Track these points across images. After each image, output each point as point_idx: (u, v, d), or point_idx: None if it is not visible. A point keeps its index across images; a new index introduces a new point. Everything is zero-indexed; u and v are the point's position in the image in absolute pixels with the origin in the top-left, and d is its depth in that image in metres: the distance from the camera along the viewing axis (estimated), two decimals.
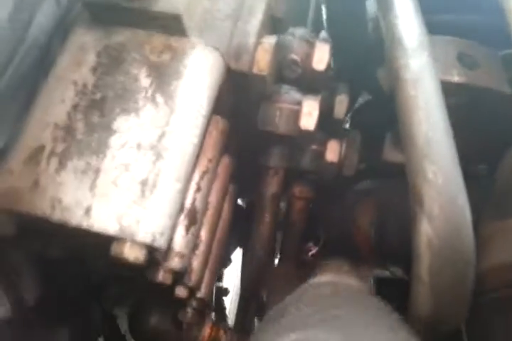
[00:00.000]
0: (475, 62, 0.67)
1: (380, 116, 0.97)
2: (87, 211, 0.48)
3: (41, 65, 0.57)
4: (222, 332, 0.91)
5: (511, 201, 0.64)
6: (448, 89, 0.59)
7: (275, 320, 0.51)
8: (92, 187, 0.49)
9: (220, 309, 1.25)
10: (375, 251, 0.92)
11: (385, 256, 0.90)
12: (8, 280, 0.54)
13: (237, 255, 1.42)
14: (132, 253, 0.47)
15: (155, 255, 0.53)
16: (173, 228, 0.55)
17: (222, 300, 1.35)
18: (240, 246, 1.36)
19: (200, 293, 0.80)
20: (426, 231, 0.47)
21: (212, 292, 0.89)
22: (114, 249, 0.47)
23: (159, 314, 0.86)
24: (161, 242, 0.49)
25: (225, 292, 1.39)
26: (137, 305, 0.88)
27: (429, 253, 0.47)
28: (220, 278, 1.43)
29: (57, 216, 0.47)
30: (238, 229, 1.14)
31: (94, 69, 0.54)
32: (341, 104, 0.85)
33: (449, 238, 0.46)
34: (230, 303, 1.73)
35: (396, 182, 0.87)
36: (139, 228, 0.48)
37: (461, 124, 0.61)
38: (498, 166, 0.70)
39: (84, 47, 0.55)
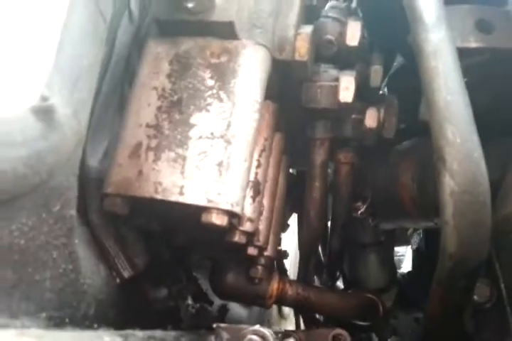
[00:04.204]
0: (492, 26, 0.78)
1: (414, 78, 1.09)
2: (181, 190, 0.66)
3: (125, 75, 0.75)
4: (288, 284, 1.11)
5: None
6: (467, 53, 0.72)
7: None
8: (182, 171, 0.67)
9: (282, 270, 1.44)
10: (419, 204, 1.07)
11: (429, 209, 1.04)
12: (123, 248, 0.74)
13: (293, 220, 1.60)
14: (218, 219, 0.65)
15: (232, 221, 0.71)
16: (243, 202, 0.73)
17: (283, 262, 1.55)
18: (295, 212, 1.55)
19: (267, 252, 1.00)
20: (448, 183, 0.62)
21: (277, 251, 1.08)
22: (205, 216, 0.66)
23: (234, 273, 1.06)
24: (238, 209, 0.67)
25: (284, 255, 1.59)
26: (215, 267, 1.09)
27: (452, 201, 0.61)
28: (279, 243, 1.62)
29: (159, 195, 0.66)
30: (292, 196, 1.31)
31: (169, 76, 0.71)
32: (376, 74, 0.99)
33: (467, 186, 0.60)
34: (290, 266, 1.94)
35: None
36: (221, 199, 0.66)
37: (480, 84, 0.74)
38: None
39: (158, 57, 0.72)
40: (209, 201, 0.65)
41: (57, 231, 0.52)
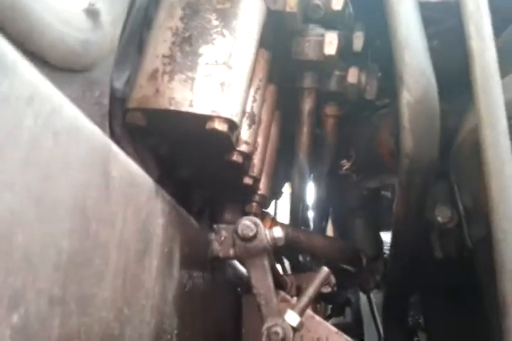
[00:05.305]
0: None
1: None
2: (190, 102, 0.83)
3: (144, 21, 0.93)
4: (279, 224, 1.26)
5: None
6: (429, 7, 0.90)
7: None
8: (191, 89, 0.84)
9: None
10: (397, 157, 1.23)
11: None
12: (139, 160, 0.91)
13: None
14: (220, 125, 0.82)
15: (231, 134, 0.87)
16: (241, 118, 0.89)
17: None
18: (288, 180, 1.70)
19: (261, 191, 1.16)
20: (405, 96, 0.79)
21: (270, 192, 1.24)
22: (209, 124, 0.83)
23: (231, 210, 1.22)
24: (236, 119, 0.84)
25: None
26: (213, 206, 1.25)
27: (408, 109, 0.78)
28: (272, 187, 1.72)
29: (173, 107, 0.83)
30: (284, 164, 1.47)
31: (181, 19, 0.89)
32: (358, 39, 1.17)
33: (420, 97, 0.77)
34: None
35: None
36: (222, 110, 0.83)
37: (450, 47, 0.91)
38: None
39: (172, 5, 0.90)
40: (213, 111, 0.82)
41: (96, 111, 0.68)
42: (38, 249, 0.34)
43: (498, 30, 0.79)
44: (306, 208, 1.40)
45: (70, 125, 0.39)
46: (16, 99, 0.32)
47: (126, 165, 0.52)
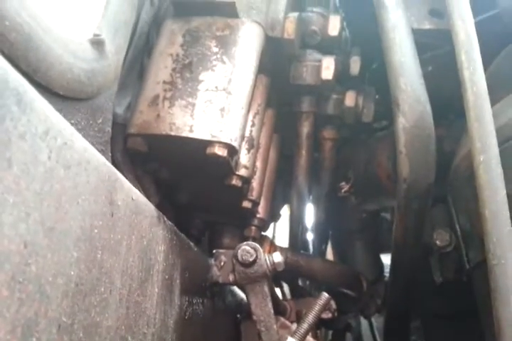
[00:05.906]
0: (442, 13, 1.02)
1: None
2: (191, 128, 0.86)
3: (145, 48, 0.96)
4: (278, 248, 1.28)
5: None
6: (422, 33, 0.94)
7: None
8: (192, 115, 0.87)
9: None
10: (394, 180, 1.26)
11: None
12: (139, 187, 0.93)
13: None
14: (220, 150, 0.85)
15: (230, 160, 0.90)
16: (241, 143, 0.92)
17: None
18: (286, 203, 1.72)
19: (259, 214, 1.18)
20: (401, 121, 0.82)
21: (268, 216, 1.26)
22: (209, 149, 0.85)
23: (230, 235, 1.24)
24: (236, 144, 0.86)
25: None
26: (213, 231, 1.26)
27: (404, 134, 0.81)
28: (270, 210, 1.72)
29: (173, 132, 0.86)
30: (282, 187, 1.49)
31: (182, 45, 0.92)
32: (355, 63, 1.21)
33: (415, 122, 0.80)
34: None
35: None
36: (222, 135, 0.86)
37: (445, 72, 0.95)
38: None
39: (173, 32, 0.94)
40: (213, 136, 0.85)
41: (98, 138, 0.70)
42: (50, 278, 0.36)
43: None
44: (305, 231, 1.42)
45: (80, 157, 0.41)
46: (32, 135, 0.34)
47: (130, 193, 0.54)
